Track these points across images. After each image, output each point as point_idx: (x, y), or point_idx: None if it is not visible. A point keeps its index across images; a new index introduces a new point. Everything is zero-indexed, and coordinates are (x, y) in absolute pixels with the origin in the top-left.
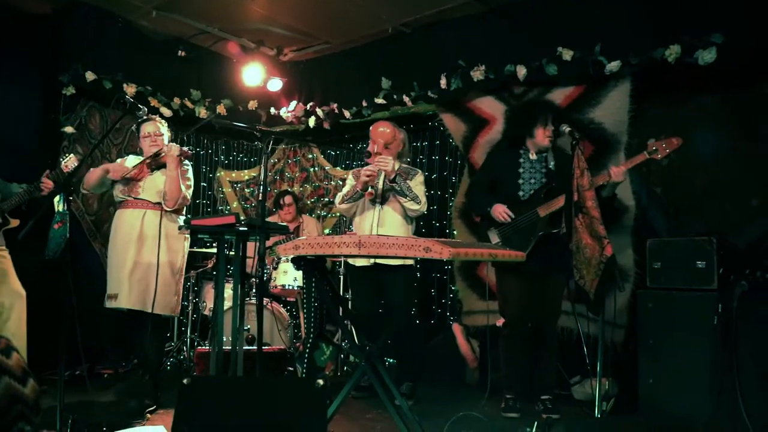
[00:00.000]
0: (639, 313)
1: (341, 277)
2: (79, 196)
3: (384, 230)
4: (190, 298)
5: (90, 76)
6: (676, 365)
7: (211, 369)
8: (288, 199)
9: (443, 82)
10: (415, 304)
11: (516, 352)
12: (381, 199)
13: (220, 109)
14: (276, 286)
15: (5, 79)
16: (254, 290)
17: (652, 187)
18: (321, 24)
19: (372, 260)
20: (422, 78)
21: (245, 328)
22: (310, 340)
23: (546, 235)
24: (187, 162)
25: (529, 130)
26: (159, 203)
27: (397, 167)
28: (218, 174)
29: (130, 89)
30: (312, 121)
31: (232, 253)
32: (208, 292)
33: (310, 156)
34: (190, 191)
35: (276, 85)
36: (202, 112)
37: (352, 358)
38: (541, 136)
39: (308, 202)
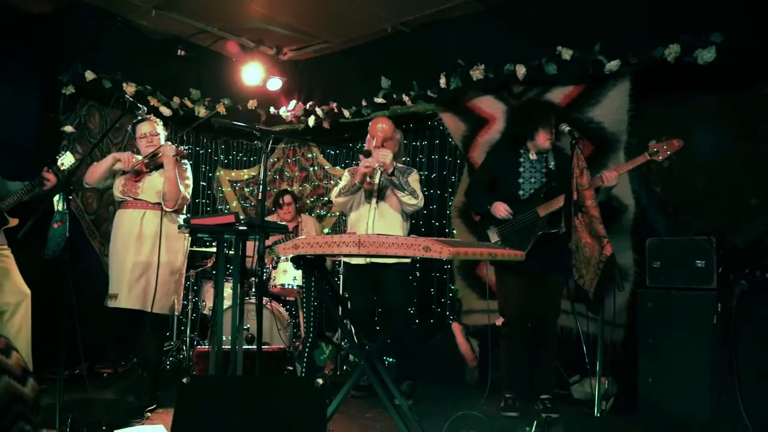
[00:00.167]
0: (638, 313)
1: (341, 276)
2: (78, 196)
3: (380, 226)
4: (190, 297)
5: (89, 75)
6: (676, 364)
7: (211, 368)
8: (287, 198)
9: (443, 82)
10: (414, 303)
11: (515, 351)
12: (378, 195)
13: (220, 108)
14: (275, 286)
15: (5, 78)
16: (254, 289)
17: (652, 187)
18: (320, 23)
19: (368, 259)
20: (422, 77)
21: (245, 327)
22: (310, 340)
23: (545, 234)
24: (185, 161)
25: (531, 133)
26: (158, 203)
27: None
28: (218, 173)
29: (130, 88)
30: (311, 121)
31: (231, 252)
32: (208, 292)
33: (310, 155)
34: (189, 190)
35: (275, 84)
36: (201, 112)
37: (351, 357)
38: (543, 139)
39: (308, 201)
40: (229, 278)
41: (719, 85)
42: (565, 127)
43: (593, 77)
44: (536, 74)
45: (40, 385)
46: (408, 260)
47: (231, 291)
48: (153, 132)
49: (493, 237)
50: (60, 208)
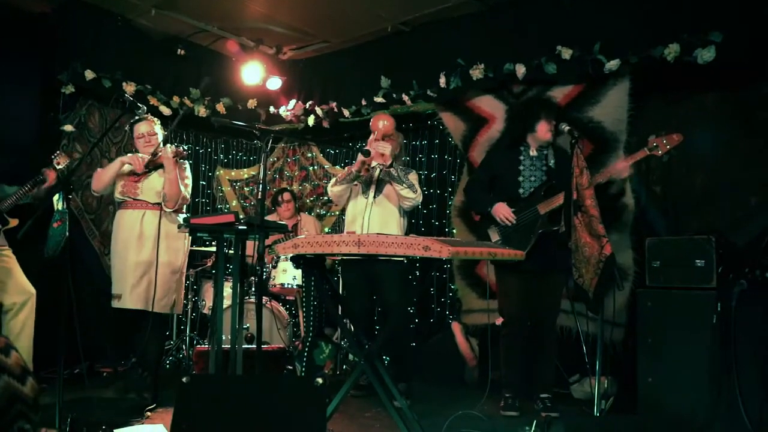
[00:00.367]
0: (638, 312)
1: (340, 275)
2: (78, 195)
3: (376, 220)
4: (190, 296)
5: (89, 74)
6: (676, 364)
7: (211, 367)
8: (286, 196)
9: (442, 81)
10: (412, 302)
11: (515, 350)
12: (375, 188)
13: (220, 107)
14: (275, 285)
15: (4, 77)
16: (253, 289)
17: (652, 186)
18: (320, 22)
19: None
20: (421, 77)
21: (244, 326)
22: (309, 339)
23: (546, 232)
24: (184, 161)
25: (531, 124)
26: (158, 203)
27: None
28: (217, 172)
29: (130, 88)
30: (311, 120)
31: (231, 251)
32: (207, 291)
33: (310, 155)
34: (189, 190)
35: (275, 83)
36: (201, 111)
37: (351, 356)
38: (543, 131)
39: (307, 200)
40: (229, 277)
41: (719, 85)
42: (565, 127)
43: (593, 77)
44: (536, 74)
45: (40, 384)
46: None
47: (231, 290)
48: (151, 132)
49: (494, 236)
50: (60, 208)
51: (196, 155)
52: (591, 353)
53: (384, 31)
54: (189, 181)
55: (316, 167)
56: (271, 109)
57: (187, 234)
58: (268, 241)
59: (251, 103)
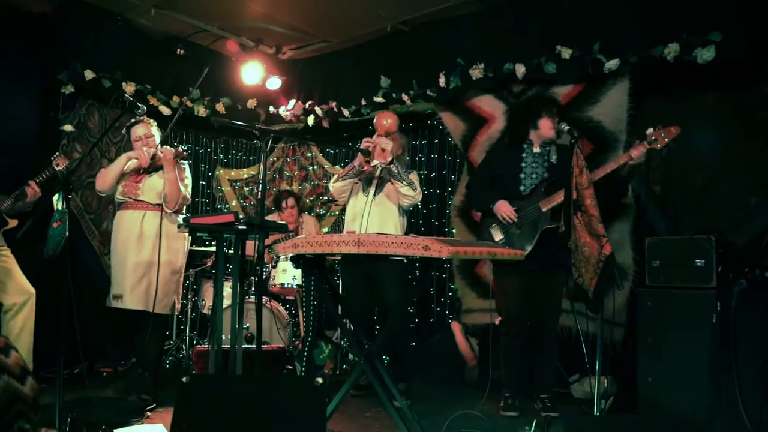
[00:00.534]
0: (638, 312)
1: (340, 275)
2: (78, 195)
3: (376, 219)
4: (189, 296)
5: (89, 74)
6: (675, 363)
7: (210, 367)
8: (290, 201)
9: (442, 81)
10: (412, 302)
11: (515, 350)
12: (376, 187)
13: (219, 107)
14: (275, 285)
15: (4, 77)
16: (253, 289)
17: (651, 186)
18: (320, 22)
19: None
20: (421, 76)
21: (244, 326)
22: (309, 339)
23: (549, 229)
24: (184, 161)
25: (534, 122)
26: (158, 204)
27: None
28: (217, 172)
29: (129, 88)
30: (311, 120)
31: (231, 251)
32: (207, 291)
33: (309, 154)
34: (189, 190)
35: (275, 83)
36: (201, 111)
37: (350, 356)
38: (547, 128)
39: (307, 200)
40: (229, 277)
41: (718, 84)
42: (565, 126)
43: (593, 76)
44: (536, 73)
45: (40, 384)
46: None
47: (230, 290)
48: (148, 134)
49: (497, 235)
50: (59, 208)
51: (196, 155)
52: (591, 353)
53: (384, 30)
54: (189, 182)
55: (315, 167)
56: (271, 108)
57: (187, 234)
58: (267, 241)
59: (251, 103)
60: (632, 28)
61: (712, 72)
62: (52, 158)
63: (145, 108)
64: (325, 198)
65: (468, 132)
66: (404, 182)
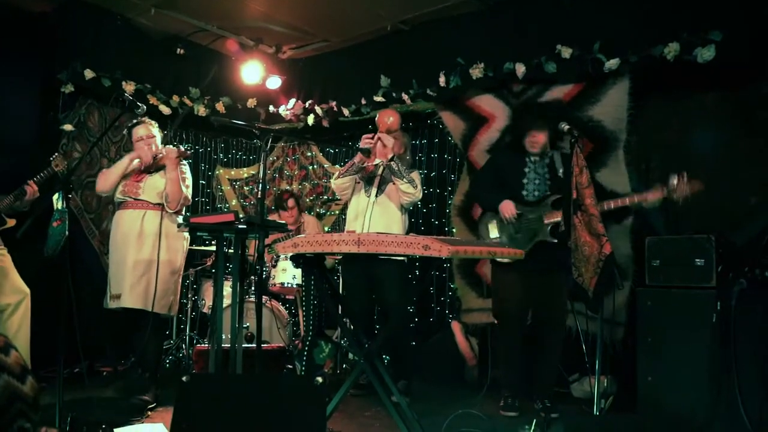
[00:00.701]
0: (638, 311)
1: (340, 275)
2: (78, 194)
3: (377, 219)
4: (189, 295)
5: (89, 74)
6: (675, 363)
7: (210, 367)
8: (291, 202)
9: (442, 80)
10: (412, 301)
11: (513, 350)
12: (378, 187)
13: (219, 106)
14: (275, 284)
15: (4, 77)
16: (253, 288)
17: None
18: (320, 22)
19: None
20: (421, 76)
21: (244, 326)
22: (309, 338)
23: (542, 242)
24: (184, 161)
25: (522, 133)
26: (159, 204)
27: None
28: (217, 172)
29: (129, 87)
30: (311, 119)
31: (230, 250)
32: (207, 290)
33: (309, 154)
34: (190, 190)
35: (275, 82)
36: (201, 110)
37: (351, 355)
38: (530, 142)
39: (307, 200)
40: (229, 277)
41: (719, 84)
42: (565, 126)
43: (593, 76)
44: (536, 73)
45: (40, 383)
46: (403, 258)
47: (230, 289)
48: (149, 135)
49: (493, 231)
50: (59, 207)
51: (196, 154)
52: (591, 352)
53: (384, 30)
54: (189, 182)
55: (315, 166)
56: (271, 108)
57: (187, 233)
58: (267, 241)
59: (251, 103)
60: (632, 28)
61: (712, 71)
62: (51, 158)
63: (144, 107)
64: (325, 197)
65: (468, 131)
66: (404, 179)
